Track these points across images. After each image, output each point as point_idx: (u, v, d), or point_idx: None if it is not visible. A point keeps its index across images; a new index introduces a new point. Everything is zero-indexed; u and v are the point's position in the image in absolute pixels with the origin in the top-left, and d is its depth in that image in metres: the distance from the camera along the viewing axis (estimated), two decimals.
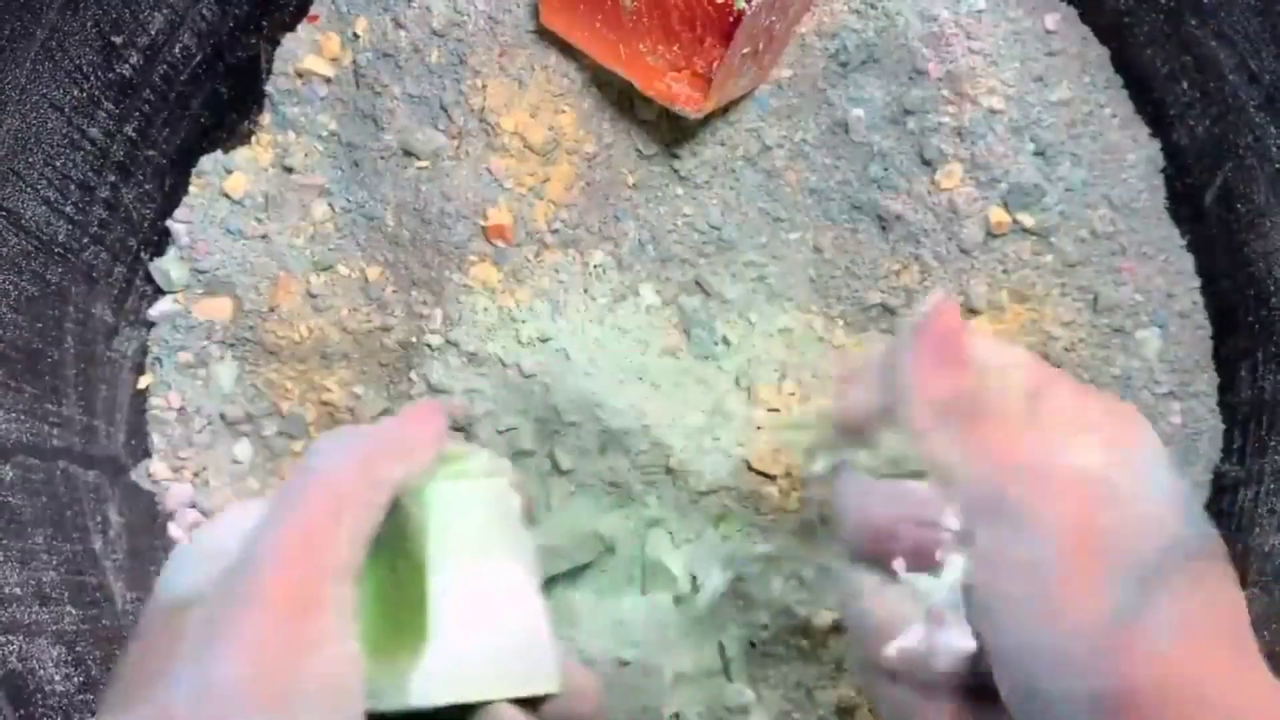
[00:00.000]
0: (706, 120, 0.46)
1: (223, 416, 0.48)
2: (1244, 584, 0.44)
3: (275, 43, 0.49)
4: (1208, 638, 0.25)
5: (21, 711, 0.39)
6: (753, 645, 0.45)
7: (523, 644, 0.30)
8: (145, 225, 0.48)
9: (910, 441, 0.29)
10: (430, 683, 0.29)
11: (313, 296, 0.48)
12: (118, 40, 0.44)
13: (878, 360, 0.32)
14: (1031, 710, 0.26)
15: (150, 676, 0.26)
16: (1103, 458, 0.27)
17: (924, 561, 0.29)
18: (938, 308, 0.30)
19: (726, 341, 0.47)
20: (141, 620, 0.29)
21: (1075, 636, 0.25)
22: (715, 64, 0.41)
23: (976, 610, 0.27)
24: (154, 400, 0.48)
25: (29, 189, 0.43)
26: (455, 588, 0.30)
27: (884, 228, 0.47)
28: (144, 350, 0.49)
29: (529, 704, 0.30)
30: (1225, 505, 0.46)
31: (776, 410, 0.45)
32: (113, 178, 0.46)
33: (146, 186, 0.48)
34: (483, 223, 0.47)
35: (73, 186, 0.44)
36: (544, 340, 0.46)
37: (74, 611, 0.43)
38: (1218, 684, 0.24)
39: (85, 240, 0.45)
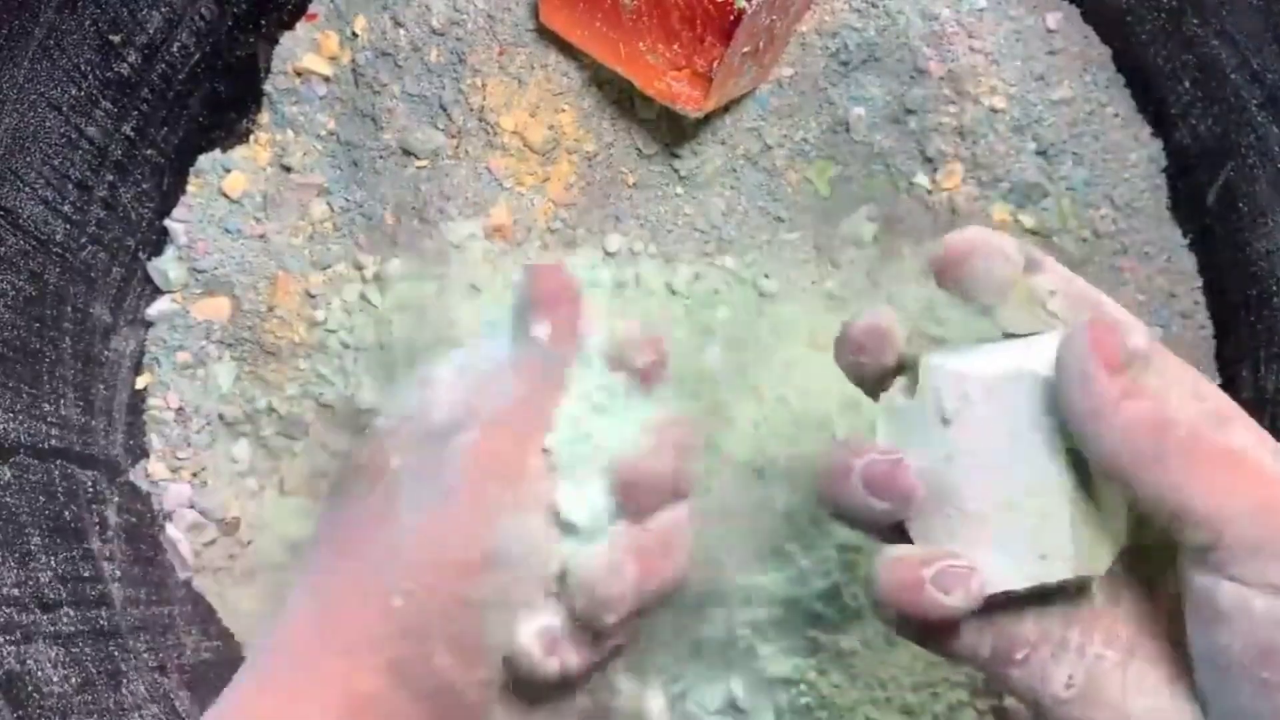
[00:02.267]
0: (707, 119, 0.46)
1: (221, 417, 0.48)
2: None
3: (274, 41, 0.49)
4: None
5: (20, 713, 0.39)
6: None
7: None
8: (143, 225, 0.48)
9: (1107, 478, 0.27)
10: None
11: (311, 296, 0.48)
12: (116, 39, 0.44)
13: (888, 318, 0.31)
14: (1239, 693, 0.25)
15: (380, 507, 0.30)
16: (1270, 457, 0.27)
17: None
18: (1098, 319, 0.28)
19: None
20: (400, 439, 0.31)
21: None
22: (715, 63, 0.41)
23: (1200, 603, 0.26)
24: (152, 400, 0.48)
25: (27, 188, 0.42)
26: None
27: (884, 227, 0.47)
28: (142, 350, 0.48)
29: None
30: None
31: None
32: (111, 177, 0.46)
33: (144, 186, 0.47)
34: (483, 222, 0.47)
35: (70, 186, 0.44)
36: None
37: (72, 612, 0.43)
38: None
39: (83, 240, 0.45)
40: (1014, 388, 0.28)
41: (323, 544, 0.31)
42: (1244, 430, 0.28)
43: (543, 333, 0.32)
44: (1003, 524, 0.28)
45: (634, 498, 0.31)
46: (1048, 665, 0.29)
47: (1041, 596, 0.29)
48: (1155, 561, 0.29)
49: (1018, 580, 0.28)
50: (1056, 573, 0.28)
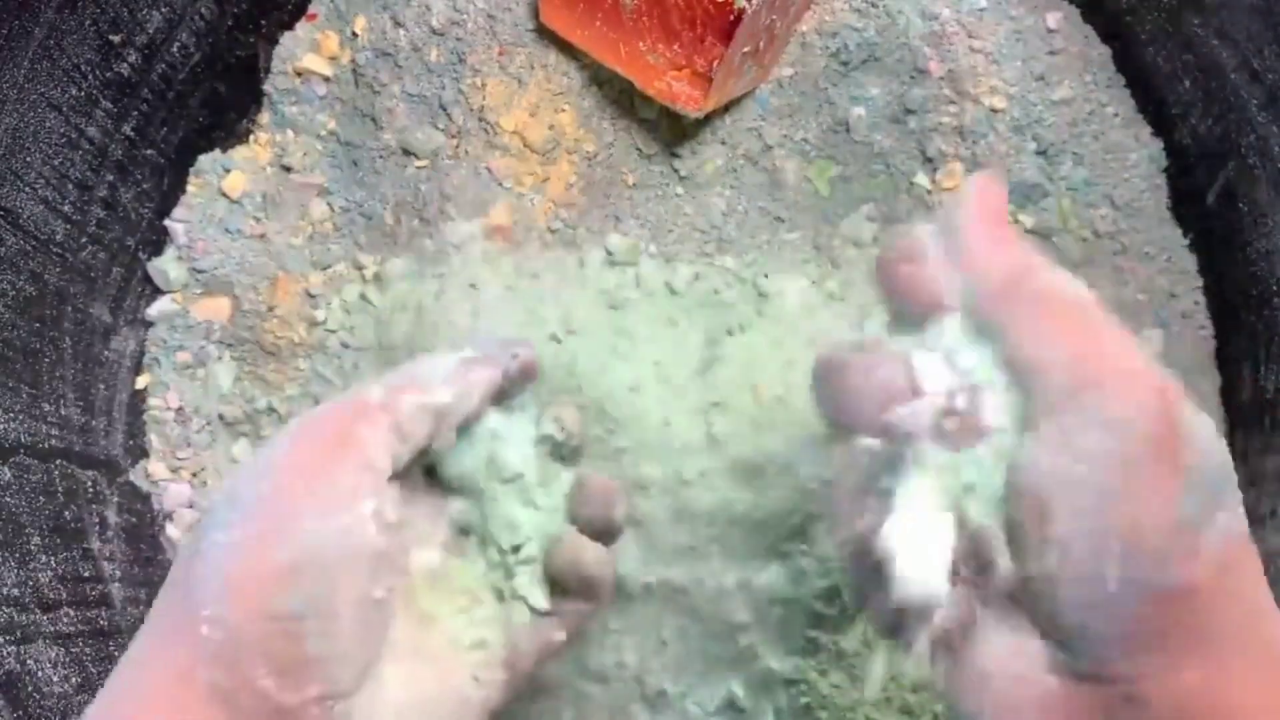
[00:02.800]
0: (707, 119, 0.46)
1: (221, 417, 0.48)
2: None
3: (274, 41, 0.49)
4: (1248, 551, 0.27)
5: (19, 713, 0.39)
6: None
7: None
8: (143, 224, 0.48)
9: (973, 323, 0.28)
10: None
11: (311, 296, 0.48)
12: (116, 39, 0.44)
13: (931, 238, 0.30)
14: (1081, 595, 0.26)
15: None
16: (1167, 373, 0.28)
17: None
18: (983, 183, 0.30)
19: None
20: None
21: (1145, 531, 0.25)
22: (715, 63, 0.41)
23: (1022, 492, 0.27)
24: (152, 400, 0.48)
25: (27, 188, 0.42)
26: None
27: (885, 227, 0.47)
28: (142, 350, 0.48)
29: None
30: None
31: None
32: (111, 177, 0.46)
33: (144, 186, 0.47)
34: (483, 222, 0.47)
35: (70, 186, 0.44)
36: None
37: (71, 612, 0.43)
38: (1260, 590, 0.27)
39: (83, 240, 0.45)
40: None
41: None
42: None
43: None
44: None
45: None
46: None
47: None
48: None
49: None
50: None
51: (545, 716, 0.45)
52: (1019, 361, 0.28)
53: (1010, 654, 0.28)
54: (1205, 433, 0.27)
